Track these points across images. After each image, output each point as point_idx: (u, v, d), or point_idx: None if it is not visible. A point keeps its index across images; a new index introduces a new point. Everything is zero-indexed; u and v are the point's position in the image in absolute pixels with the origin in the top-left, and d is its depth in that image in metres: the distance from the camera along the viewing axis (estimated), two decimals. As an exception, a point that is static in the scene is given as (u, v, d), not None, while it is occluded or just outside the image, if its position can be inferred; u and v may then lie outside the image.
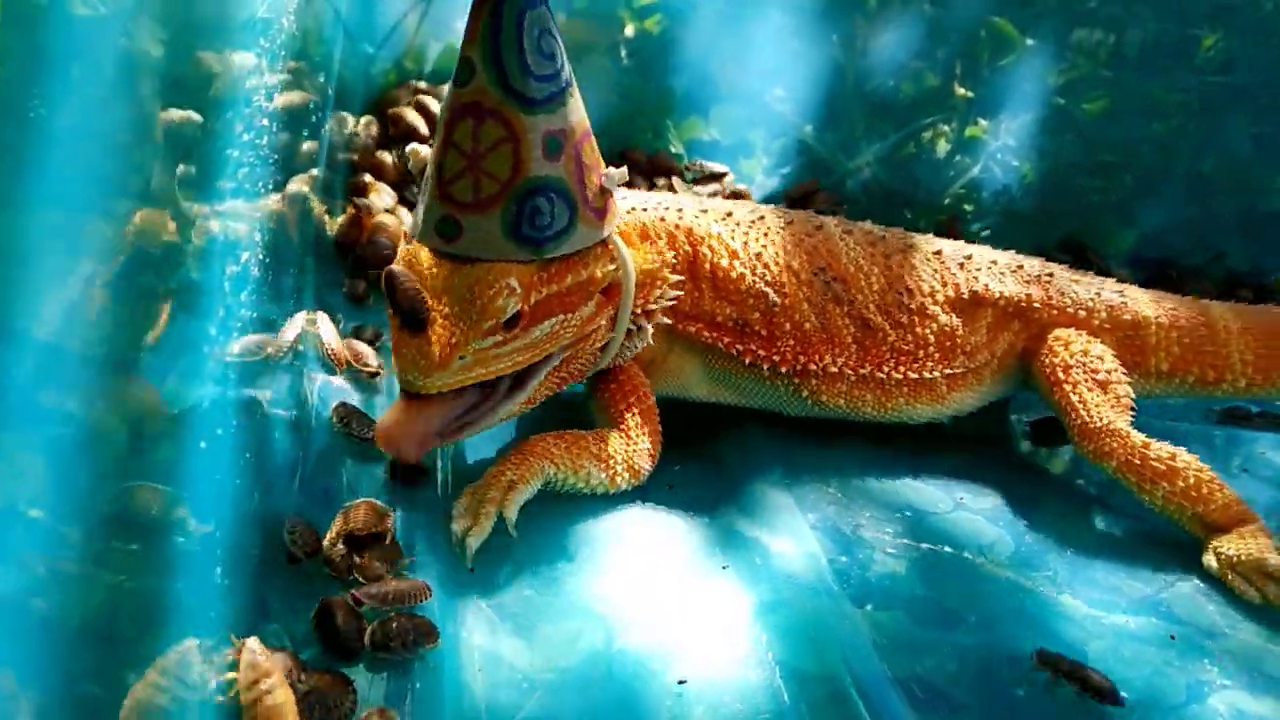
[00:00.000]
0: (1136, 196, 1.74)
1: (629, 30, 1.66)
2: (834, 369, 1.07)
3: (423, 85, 1.56)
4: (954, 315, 1.10)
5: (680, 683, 0.78)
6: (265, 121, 1.01)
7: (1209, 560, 0.97)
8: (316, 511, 0.89)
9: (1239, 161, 1.73)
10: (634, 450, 0.97)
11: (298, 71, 1.14)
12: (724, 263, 1.05)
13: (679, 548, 0.93)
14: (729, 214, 1.10)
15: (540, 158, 0.87)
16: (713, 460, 1.08)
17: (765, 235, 1.08)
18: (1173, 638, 0.88)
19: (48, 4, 0.63)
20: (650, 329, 1.01)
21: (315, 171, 1.23)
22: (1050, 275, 1.17)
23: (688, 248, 1.05)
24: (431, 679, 0.76)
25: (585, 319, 0.94)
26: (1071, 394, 1.08)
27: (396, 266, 0.89)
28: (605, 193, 0.93)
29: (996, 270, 1.15)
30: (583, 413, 1.05)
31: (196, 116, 0.81)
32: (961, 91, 1.70)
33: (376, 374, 1.11)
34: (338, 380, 1.09)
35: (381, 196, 1.38)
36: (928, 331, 1.09)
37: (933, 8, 1.67)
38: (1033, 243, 1.64)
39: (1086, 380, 1.08)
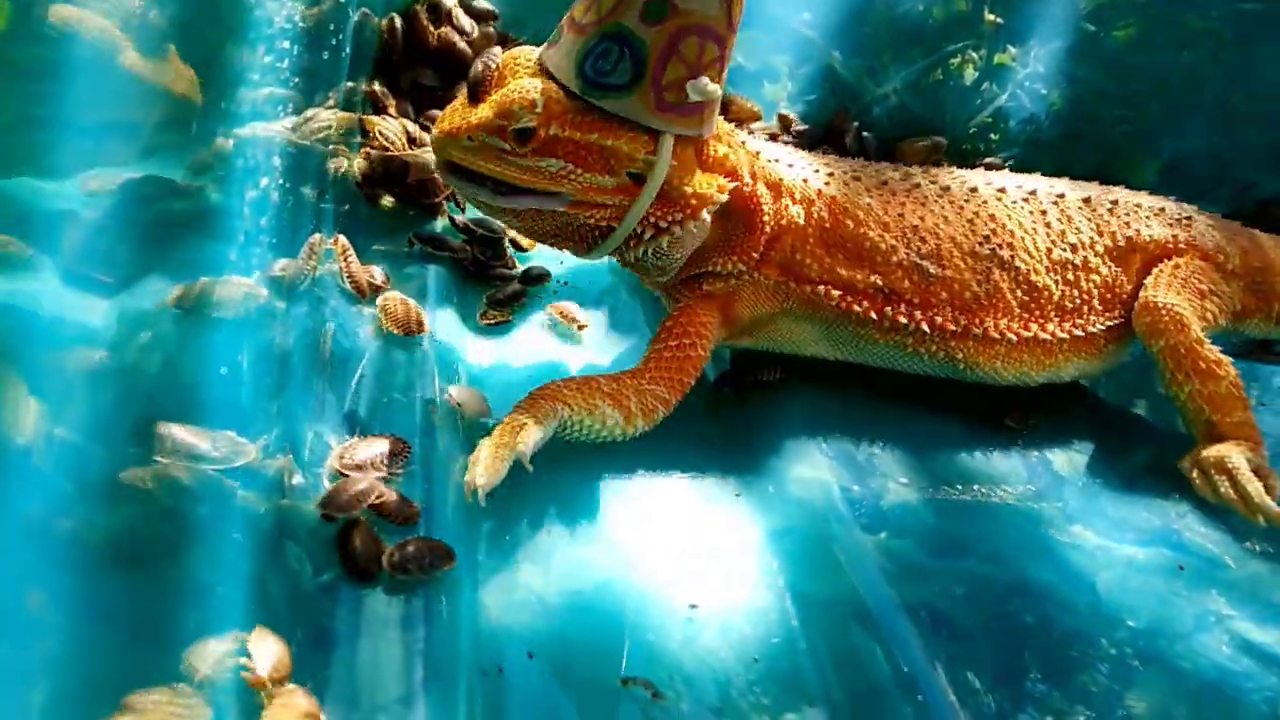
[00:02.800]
0: (1163, 127, 1.71)
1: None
2: (995, 333, 1.04)
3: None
4: (1112, 264, 1.09)
5: (692, 607, 0.80)
6: (285, 43, 1.01)
7: (1184, 462, 0.99)
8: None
9: (1270, 93, 1.69)
10: (647, 391, 0.94)
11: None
12: (871, 234, 1.03)
13: (693, 477, 0.94)
14: (884, 182, 1.08)
15: (637, 12, 0.88)
16: (733, 398, 1.08)
17: (923, 204, 1.06)
18: (1181, 568, 0.89)
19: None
20: (657, 248, 0.98)
21: (335, 93, 1.22)
22: (1189, 218, 1.16)
23: (824, 214, 1.03)
24: (448, 600, 0.78)
25: (593, 186, 0.93)
26: (1162, 278, 1.08)
27: (500, 50, 0.97)
28: (682, 91, 0.90)
29: (1143, 214, 1.13)
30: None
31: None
32: (991, 17, 1.67)
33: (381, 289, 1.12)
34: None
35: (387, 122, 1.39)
36: (1091, 285, 1.07)
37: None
38: (1057, 172, 1.65)
39: (1186, 280, 1.08)
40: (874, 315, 1.03)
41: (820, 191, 1.04)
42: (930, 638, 0.79)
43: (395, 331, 1.04)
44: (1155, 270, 1.10)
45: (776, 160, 1.05)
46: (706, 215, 0.96)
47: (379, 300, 1.08)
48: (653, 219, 0.95)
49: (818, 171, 1.07)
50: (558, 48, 0.93)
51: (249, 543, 0.78)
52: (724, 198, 0.97)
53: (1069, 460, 1.03)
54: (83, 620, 0.69)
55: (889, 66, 1.68)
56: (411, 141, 1.42)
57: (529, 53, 0.96)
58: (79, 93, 0.88)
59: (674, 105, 0.91)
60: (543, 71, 0.93)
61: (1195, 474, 0.97)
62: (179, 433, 0.82)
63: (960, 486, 0.96)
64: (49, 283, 0.88)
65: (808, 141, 1.59)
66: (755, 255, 1.02)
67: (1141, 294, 1.07)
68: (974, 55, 1.69)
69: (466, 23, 1.45)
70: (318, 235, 1.10)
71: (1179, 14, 1.66)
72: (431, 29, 1.44)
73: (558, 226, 0.97)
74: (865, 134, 1.62)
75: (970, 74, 1.69)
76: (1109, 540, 0.91)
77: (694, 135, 0.94)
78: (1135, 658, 0.80)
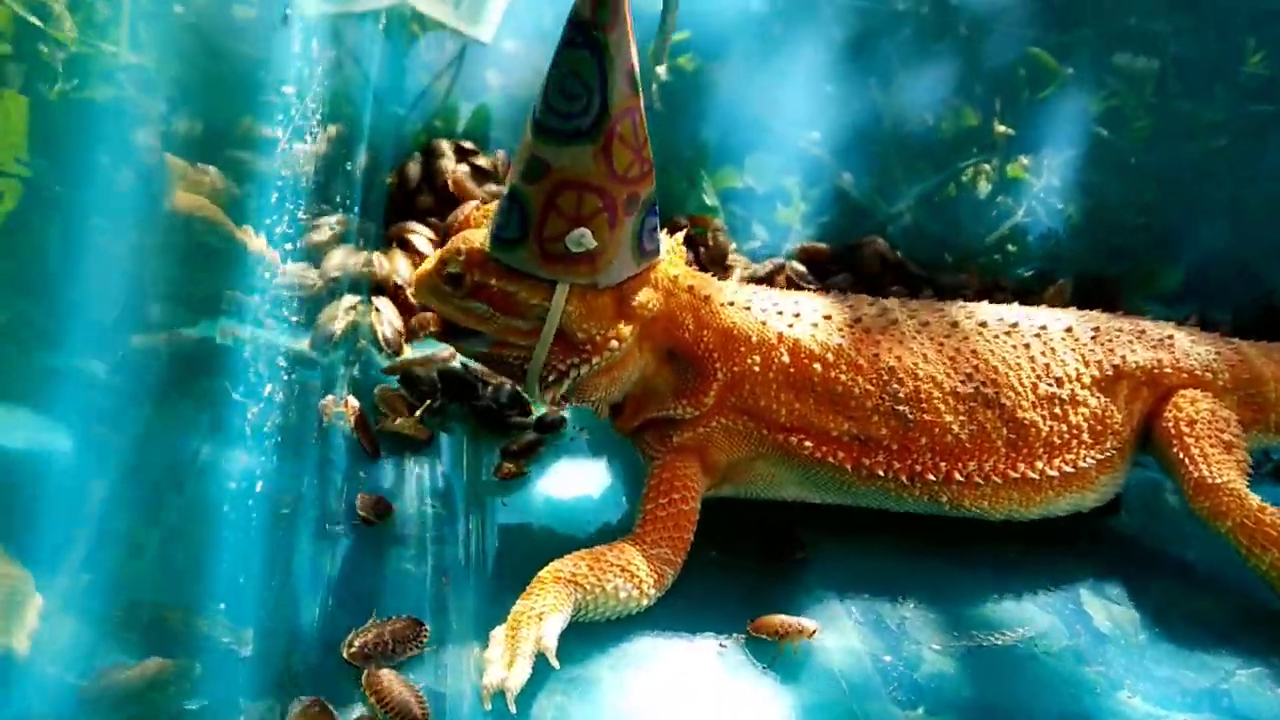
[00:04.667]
0: (1182, 232, 1.70)
1: (660, 70, 1.63)
2: (979, 477, 1.01)
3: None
4: (1100, 395, 1.06)
5: (721, 803, 0.76)
6: (301, 182, 1.01)
7: None
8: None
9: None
10: (653, 557, 0.92)
11: (328, 134, 1.13)
12: (843, 377, 1.01)
13: (718, 647, 0.90)
14: (858, 320, 1.05)
15: (521, 171, 0.95)
16: (747, 548, 1.04)
17: (900, 343, 1.04)
18: (1235, 738, 0.85)
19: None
20: (561, 390, 1.00)
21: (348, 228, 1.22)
22: (1170, 337, 1.13)
23: (785, 358, 1.01)
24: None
25: (509, 328, 0.99)
26: (1194, 448, 1.04)
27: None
28: (559, 243, 0.94)
29: (1124, 339, 1.10)
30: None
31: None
32: (1001, 129, 1.67)
33: None
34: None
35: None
36: (1079, 418, 1.05)
37: (969, 41, 1.64)
38: (1079, 284, 1.63)
39: (1211, 438, 1.05)
40: (849, 466, 1.01)
41: (781, 335, 1.02)
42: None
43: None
44: (1169, 428, 1.06)
45: (732, 304, 1.03)
46: (598, 362, 0.98)
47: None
48: (552, 361, 0.99)
49: (781, 313, 1.04)
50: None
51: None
52: (621, 345, 0.98)
53: (1106, 611, 0.99)
54: None
55: (900, 184, 1.68)
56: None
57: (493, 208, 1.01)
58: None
59: (559, 256, 0.95)
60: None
61: None
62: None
63: (999, 649, 0.92)
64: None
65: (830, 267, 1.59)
66: (707, 401, 1.01)
67: (1184, 473, 1.03)
68: (986, 168, 1.69)
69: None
70: (330, 397, 1.09)
71: (1190, 109, 1.64)
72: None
73: (497, 365, 1.03)
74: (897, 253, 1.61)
75: (984, 187, 1.68)
76: (1158, 707, 0.87)
77: (587, 284, 0.96)
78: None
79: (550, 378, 1.00)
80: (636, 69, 0.92)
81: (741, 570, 1.01)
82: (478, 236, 1.00)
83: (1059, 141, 1.67)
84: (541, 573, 0.88)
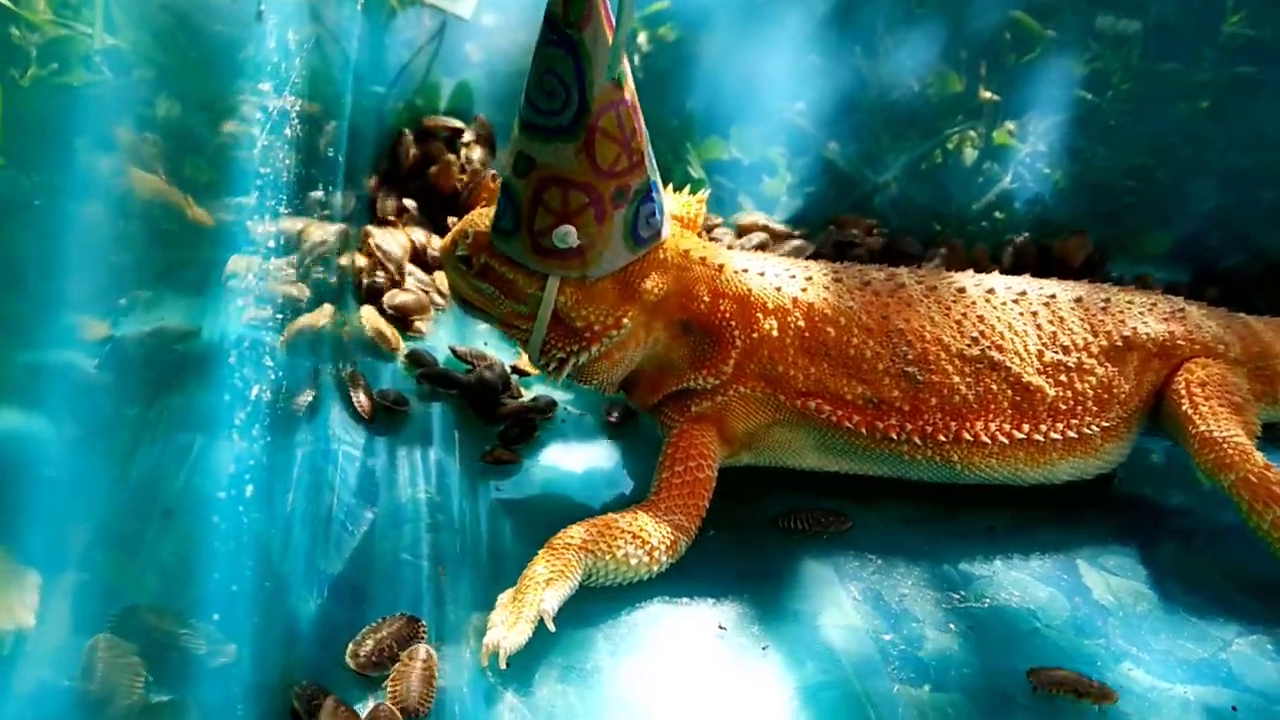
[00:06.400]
0: (1171, 195, 1.69)
1: (641, 40, 1.61)
2: (986, 437, 1.03)
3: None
4: (1108, 364, 1.06)
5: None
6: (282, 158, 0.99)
7: None
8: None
9: (1272, 147, 1.67)
10: (666, 523, 0.93)
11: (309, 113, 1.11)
12: (855, 340, 1.02)
13: (717, 630, 0.90)
14: (866, 283, 1.06)
15: (511, 165, 0.97)
16: (747, 528, 1.04)
17: (909, 306, 1.05)
18: (1234, 709, 0.84)
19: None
20: (563, 373, 1.02)
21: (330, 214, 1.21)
22: (1182, 310, 1.14)
23: (801, 323, 1.02)
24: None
25: (511, 311, 1.01)
26: (1203, 405, 1.05)
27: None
28: (547, 237, 0.95)
29: (1136, 311, 1.11)
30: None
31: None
32: (987, 95, 1.65)
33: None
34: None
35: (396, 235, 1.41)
36: (1085, 386, 1.05)
37: (953, 6, 1.62)
38: (1068, 249, 1.63)
39: (1220, 398, 1.06)
40: (864, 430, 1.02)
41: (796, 299, 1.03)
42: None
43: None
44: (1179, 389, 1.07)
45: (745, 271, 1.04)
46: (597, 349, 0.99)
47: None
48: (551, 348, 1.01)
49: (794, 278, 1.05)
50: None
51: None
52: (620, 331, 0.99)
53: (1104, 582, 0.99)
54: None
55: (887, 153, 1.66)
56: (418, 255, 1.41)
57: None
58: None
59: (548, 250, 0.96)
60: None
61: None
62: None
63: (1000, 624, 0.92)
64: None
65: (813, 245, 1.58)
66: (727, 369, 1.02)
67: (1191, 428, 1.04)
68: (972, 134, 1.67)
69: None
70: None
71: (1173, 71, 1.63)
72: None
73: (509, 331, 1.05)
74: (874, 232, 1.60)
75: (970, 154, 1.67)
76: (1160, 680, 0.87)
77: (576, 277, 0.97)
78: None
79: (550, 363, 1.02)
80: (622, 61, 0.91)
81: (739, 550, 1.00)
82: (487, 219, 1.01)
83: (1045, 106, 1.65)
84: (552, 539, 0.89)
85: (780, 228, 1.60)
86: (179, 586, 0.75)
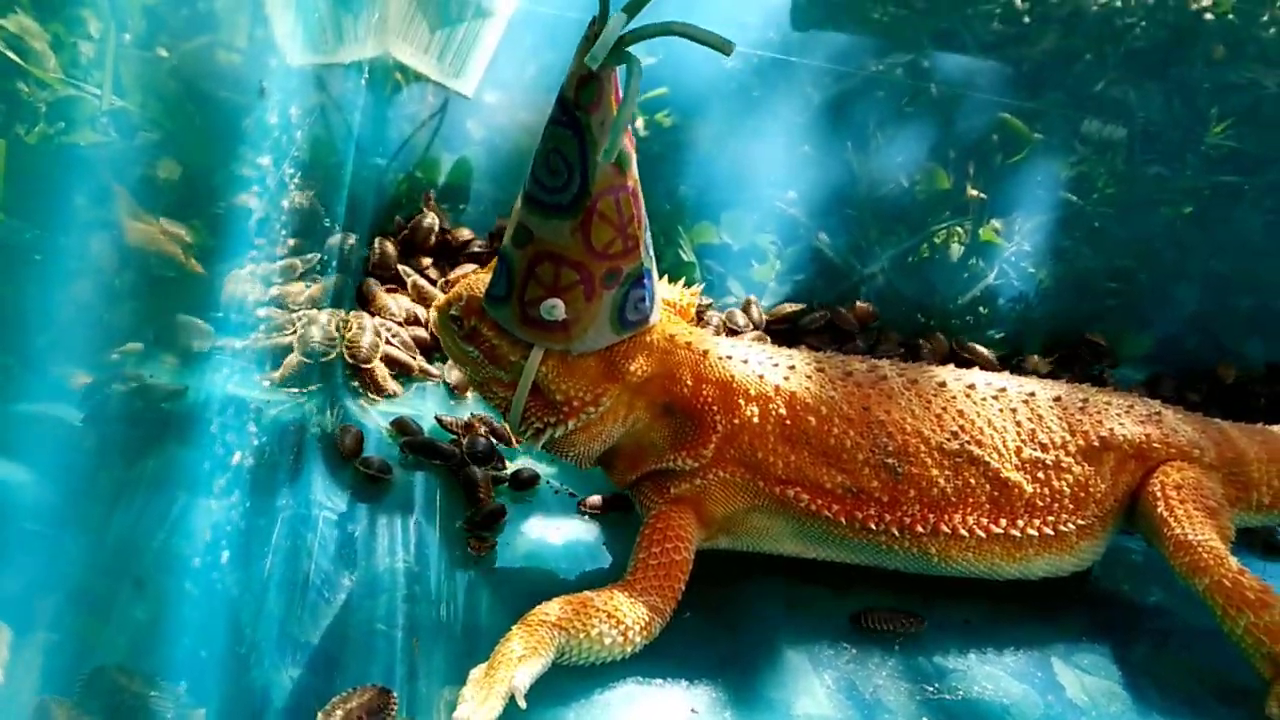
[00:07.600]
0: (1153, 298, 1.72)
1: (639, 124, 1.64)
2: (964, 530, 1.03)
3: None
4: (1085, 463, 1.08)
5: None
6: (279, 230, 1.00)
7: (1273, 708, 0.94)
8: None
9: (1252, 255, 1.70)
10: (641, 604, 0.92)
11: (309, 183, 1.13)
12: (836, 430, 1.03)
13: (689, 713, 0.89)
14: (848, 374, 1.08)
15: (510, 235, 0.99)
16: (721, 611, 1.04)
17: (889, 398, 1.06)
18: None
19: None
20: (539, 443, 1.03)
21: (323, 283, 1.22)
22: (1159, 413, 1.15)
23: (782, 410, 1.03)
24: None
25: (492, 377, 1.03)
26: (1178, 508, 1.06)
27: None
28: (535, 308, 0.97)
29: (1114, 412, 1.12)
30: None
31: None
32: (974, 193, 1.68)
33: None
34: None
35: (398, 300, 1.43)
36: (1062, 484, 1.06)
37: (942, 106, 1.66)
38: (1049, 349, 1.65)
39: (1195, 501, 1.07)
40: (843, 519, 1.03)
41: (778, 387, 1.04)
42: None
43: None
44: (1155, 492, 1.08)
45: (729, 357, 1.05)
46: (574, 424, 1.01)
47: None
48: (530, 415, 1.02)
49: (777, 366, 1.06)
50: None
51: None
52: (598, 409, 1.01)
53: (1078, 681, 0.99)
54: None
55: (875, 245, 1.69)
56: (413, 320, 1.42)
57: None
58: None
59: (535, 321, 0.98)
60: None
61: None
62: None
63: (973, 718, 0.92)
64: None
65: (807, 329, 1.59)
66: (707, 453, 1.02)
67: (1167, 530, 1.05)
68: (959, 230, 1.70)
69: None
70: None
71: (1158, 175, 1.67)
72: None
73: (493, 401, 1.06)
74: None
75: (956, 250, 1.70)
76: (1130, 783, 0.87)
77: (559, 350, 0.99)
78: None
79: (529, 431, 1.03)
80: (629, 148, 0.94)
81: (715, 633, 1.00)
82: (484, 284, 1.03)
83: (1031, 206, 1.69)
84: (528, 615, 0.89)
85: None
86: (149, 648, 0.74)
